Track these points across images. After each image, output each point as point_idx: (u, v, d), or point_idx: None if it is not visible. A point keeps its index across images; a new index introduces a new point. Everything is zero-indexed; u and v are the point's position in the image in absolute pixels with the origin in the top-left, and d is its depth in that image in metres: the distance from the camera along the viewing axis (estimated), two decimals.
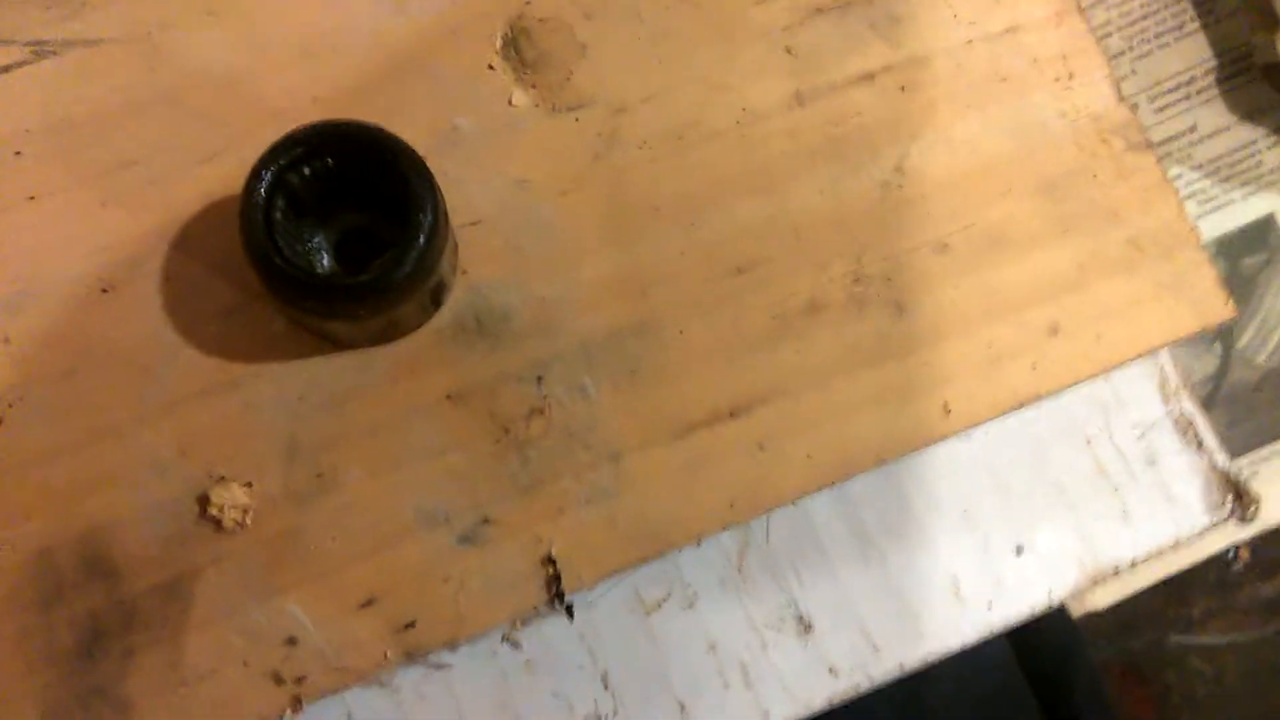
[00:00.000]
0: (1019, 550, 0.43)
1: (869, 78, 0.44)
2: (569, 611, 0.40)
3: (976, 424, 0.42)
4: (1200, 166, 0.63)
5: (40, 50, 0.40)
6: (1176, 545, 0.44)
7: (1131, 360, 0.43)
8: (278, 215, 0.35)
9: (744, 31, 0.43)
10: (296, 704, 0.37)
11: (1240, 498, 0.44)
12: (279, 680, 0.37)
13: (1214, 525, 0.44)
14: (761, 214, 0.42)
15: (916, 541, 0.42)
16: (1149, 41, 0.62)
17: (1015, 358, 0.42)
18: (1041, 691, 0.69)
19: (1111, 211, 0.43)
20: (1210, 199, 0.66)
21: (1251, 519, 0.45)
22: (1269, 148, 0.64)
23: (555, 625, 0.40)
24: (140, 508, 0.38)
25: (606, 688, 0.40)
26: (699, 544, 0.41)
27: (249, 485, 0.38)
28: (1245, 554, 0.91)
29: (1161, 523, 0.44)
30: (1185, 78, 0.63)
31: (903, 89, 0.43)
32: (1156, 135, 0.61)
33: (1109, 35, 0.60)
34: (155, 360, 0.39)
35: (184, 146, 0.40)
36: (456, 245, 0.40)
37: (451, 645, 0.39)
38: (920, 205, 0.43)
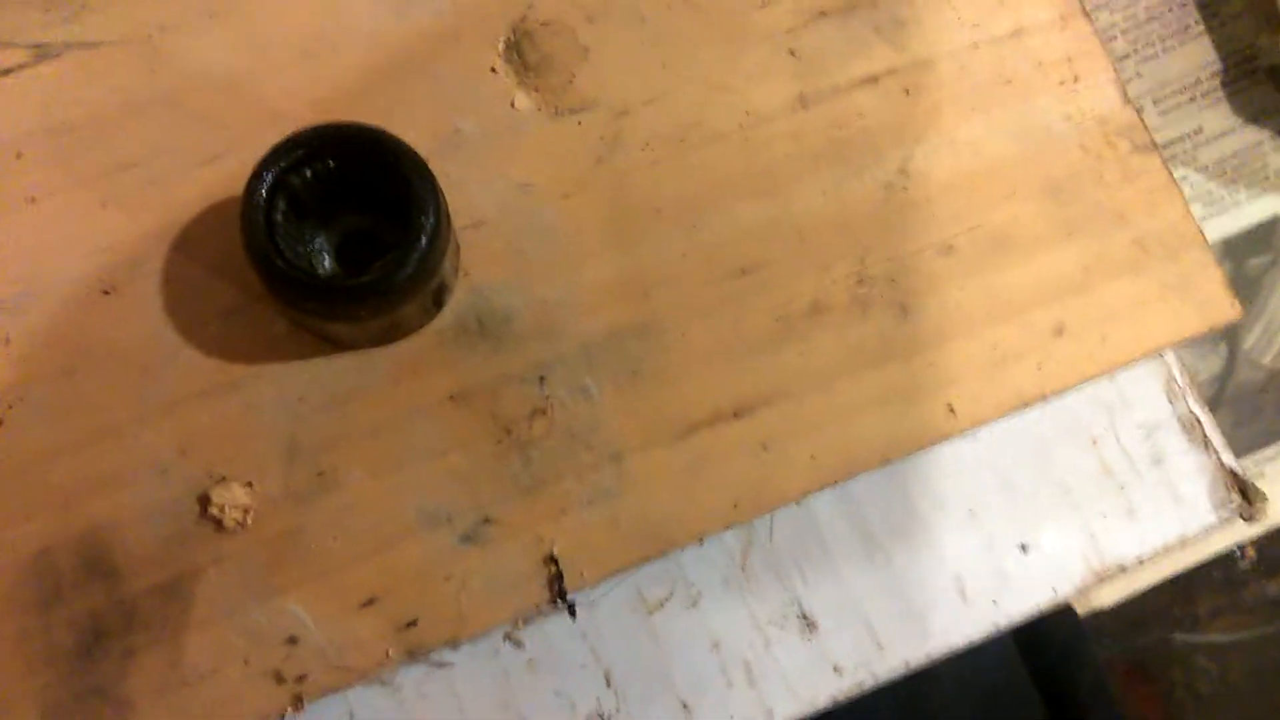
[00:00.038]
0: (1024, 548, 0.43)
1: (873, 80, 0.43)
2: (571, 610, 0.40)
3: (981, 424, 0.42)
4: (1206, 168, 0.63)
5: (41, 53, 0.40)
6: (1183, 544, 0.44)
7: (1137, 361, 0.43)
8: (279, 217, 0.35)
9: (747, 34, 0.43)
10: (298, 703, 0.37)
11: (1246, 497, 0.44)
12: (280, 679, 0.37)
13: (1220, 524, 0.44)
14: (764, 216, 0.42)
15: (921, 540, 0.42)
16: (1154, 44, 0.62)
17: (1020, 358, 0.42)
18: (1046, 689, 0.69)
19: (1117, 213, 0.43)
20: (1216, 201, 0.66)
21: (1258, 518, 0.44)
22: (1275, 150, 0.64)
23: (558, 624, 0.40)
24: (141, 508, 0.38)
25: (609, 686, 0.40)
26: (702, 543, 0.41)
27: (250, 485, 0.38)
28: (1252, 552, 0.91)
29: (1167, 521, 0.44)
30: (1190, 80, 0.63)
31: (907, 92, 0.43)
32: (1162, 137, 0.61)
33: (1114, 38, 0.60)
34: (156, 361, 0.39)
35: (184, 148, 0.40)
36: (458, 247, 0.40)
37: (453, 644, 0.39)
38: (924, 207, 0.43)
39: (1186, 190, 0.58)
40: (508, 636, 0.40)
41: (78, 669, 0.37)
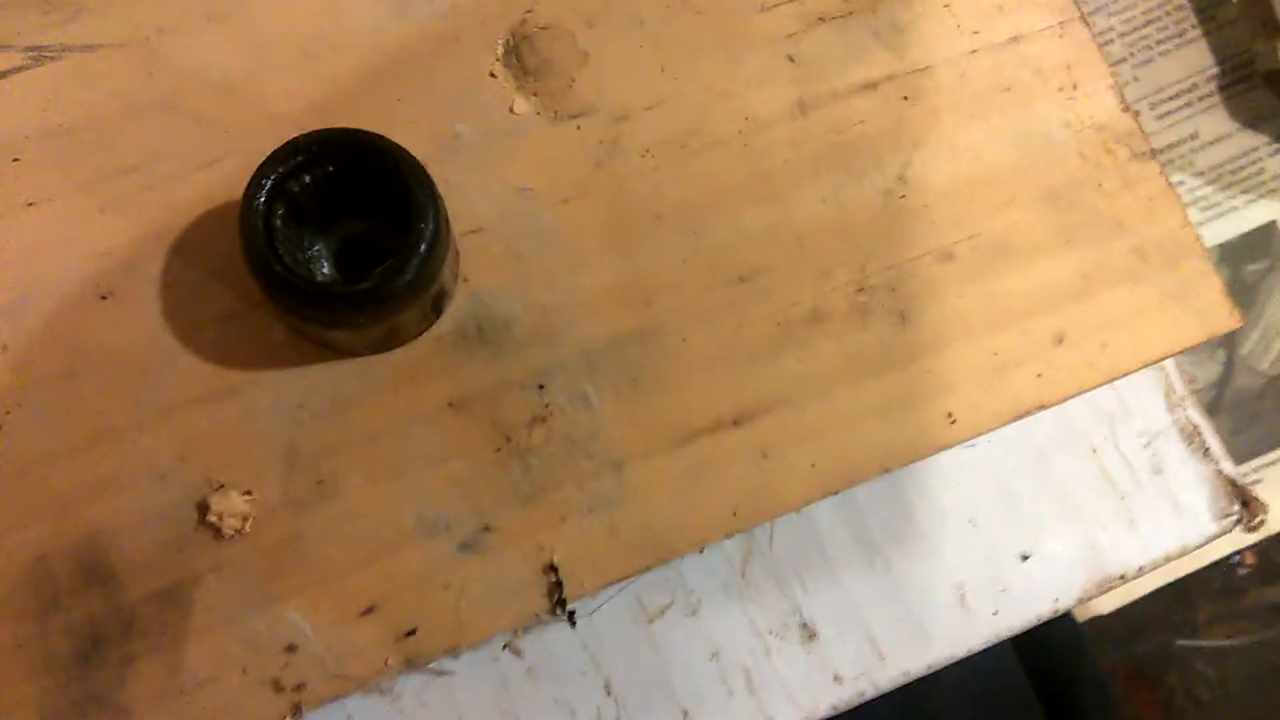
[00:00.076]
0: (1025, 558, 0.43)
1: (872, 86, 0.43)
2: (571, 619, 0.40)
3: (981, 433, 0.42)
4: (1202, 173, 0.63)
5: (38, 55, 0.40)
6: (1183, 553, 0.44)
7: (1137, 370, 0.43)
8: (278, 223, 0.35)
9: (747, 39, 0.43)
10: (296, 711, 0.37)
11: (1247, 506, 0.44)
12: (279, 688, 0.37)
13: (1221, 534, 0.44)
14: (764, 222, 0.42)
15: (922, 548, 0.42)
16: (1151, 48, 0.62)
17: (1020, 367, 0.42)
18: (1045, 694, 0.69)
19: (1116, 221, 0.43)
20: (1212, 206, 0.66)
21: (1258, 528, 0.44)
22: (1271, 155, 0.64)
23: (557, 632, 0.40)
24: (139, 514, 0.38)
25: (609, 695, 0.40)
26: (702, 551, 0.41)
27: (248, 493, 0.38)
28: (1251, 559, 0.91)
29: (1168, 531, 0.44)
30: (1187, 85, 0.63)
31: (906, 98, 0.43)
32: (1158, 142, 0.60)
33: (1110, 42, 0.60)
34: (154, 366, 0.39)
35: (183, 152, 0.40)
36: (458, 253, 0.39)
37: (452, 653, 0.38)
38: (924, 214, 0.43)
39: (1183, 195, 0.58)
40: (507, 645, 0.40)
41: (75, 676, 0.37)
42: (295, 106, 0.41)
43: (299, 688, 0.37)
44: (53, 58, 0.40)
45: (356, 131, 0.36)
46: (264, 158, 0.35)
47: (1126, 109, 0.44)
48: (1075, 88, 0.44)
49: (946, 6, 0.44)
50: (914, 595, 0.42)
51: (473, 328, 0.40)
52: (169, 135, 0.40)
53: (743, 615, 0.41)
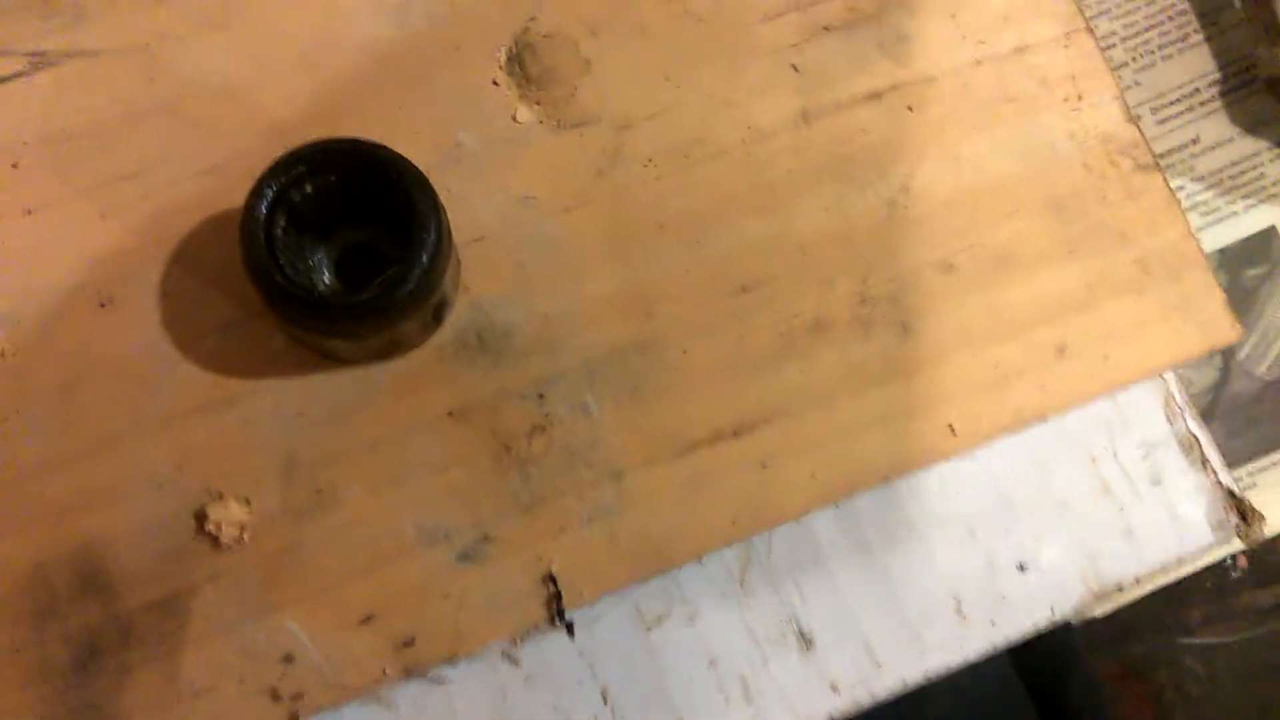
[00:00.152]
0: (1022, 567, 0.43)
1: (876, 96, 0.43)
2: (569, 630, 0.40)
3: (981, 444, 0.42)
4: (1202, 178, 0.63)
5: (39, 61, 0.40)
6: (1180, 564, 0.44)
7: (1138, 381, 0.43)
8: (279, 232, 0.35)
9: (750, 49, 0.43)
10: None
11: (1244, 517, 0.44)
12: (276, 697, 0.37)
13: (1218, 545, 0.44)
14: (767, 232, 0.42)
15: (919, 557, 0.42)
16: (1152, 53, 0.62)
17: (1022, 378, 0.42)
18: (1039, 696, 0.69)
19: (1120, 232, 0.43)
20: (1212, 211, 0.66)
21: (1255, 539, 0.44)
22: (1272, 160, 0.64)
23: (555, 640, 0.40)
24: (137, 523, 0.38)
25: (606, 703, 0.40)
26: (701, 560, 0.41)
27: (247, 501, 0.38)
28: (1244, 561, 0.91)
29: (1165, 541, 0.44)
30: (1188, 89, 0.62)
31: (910, 108, 0.43)
32: (1159, 147, 0.60)
33: (1112, 47, 0.60)
34: (153, 374, 0.39)
35: (183, 158, 0.40)
36: (459, 262, 0.39)
37: (450, 662, 0.38)
38: (926, 225, 0.42)
39: (1183, 200, 0.58)
40: (505, 654, 0.40)
41: (72, 685, 0.36)
42: (296, 114, 0.40)
43: (296, 697, 0.37)
44: (53, 63, 0.40)
45: (359, 141, 0.35)
46: (265, 165, 0.35)
47: (1131, 120, 0.44)
48: (1080, 98, 0.44)
49: (952, 16, 0.44)
50: (911, 604, 0.42)
51: (473, 337, 0.40)
52: (169, 142, 0.40)
53: (740, 623, 0.41)
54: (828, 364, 0.41)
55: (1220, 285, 0.44)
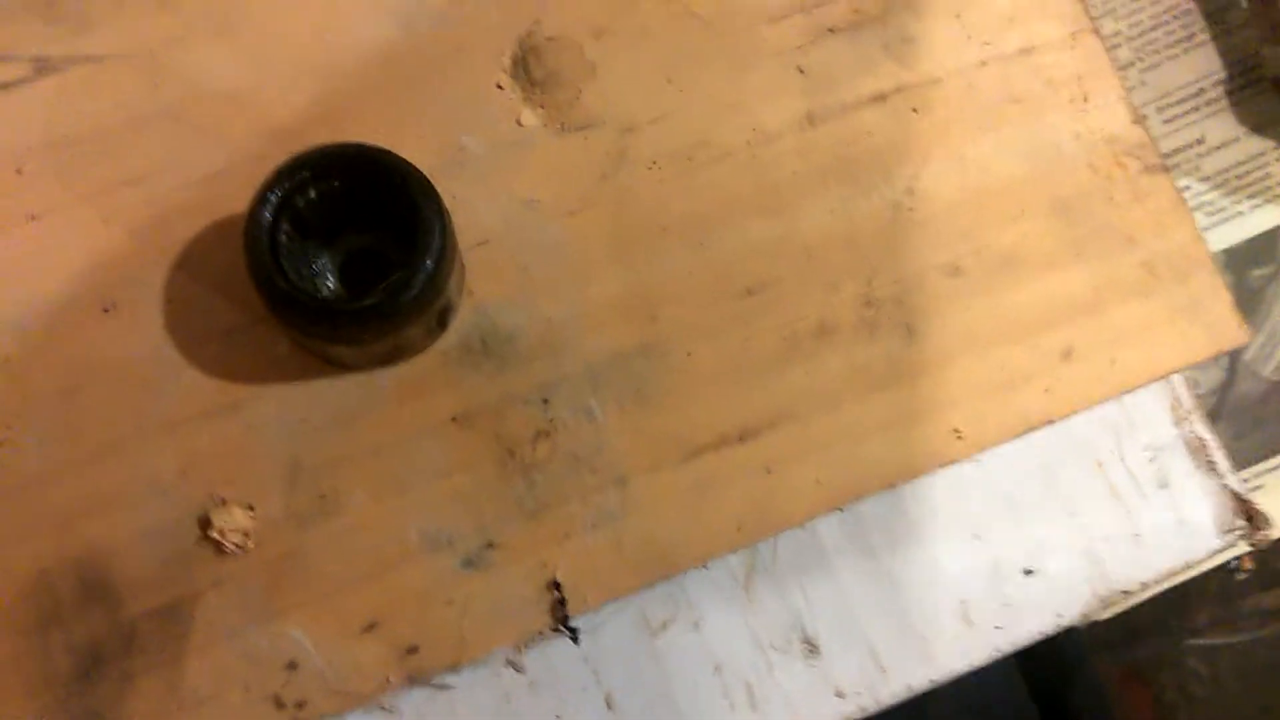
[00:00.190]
0: (1028, 572, 0.42)
1: (881, 98, 0.43)
2: (574, 636, 0.40)
3: (987, 448, 0.41)
4: (1208, 178, 0.63)
5: (43, 67, 0.40)
6: (1187, 568, 0.44)
7: (1145, 384, 0.43)
8: (283, 238, 0.35)
9: (755, 51, 0.43)
10: None
11: (1252, 520, 0.44)
12: (280, 704, 0.37)
13: (1225, 548, 0.44)
14: (771, 235, 0.42)
15: (925, 562, 0.42)
16: (1158, 52, 0.61)
17: (1028, 381, 0.42)
18: (1041, 697, 0.69)
19: (1126, 235, 0.43)
20: (1218, 210, 0.65)
21: (1262, 542, 0.44)
22: (1278, 160, 0.64)
23: (559, 646, 0.40)
24: (140, 530, 0.38)
25: (611, 709, 0.40)
26: (705, 566, 0.41)
27: (250, 508, 0.38)
28: (1249, 564, 0.91)
29: (1172, 546, 0.43)
30: (1194, 89, 0.62)
31: (915, 110, 0.43)
32: (1165, 146, 0.60)
33: (1118, 46, 0.60)
34: (156, 380, 0.39)
35: (187, 164, 0.40)
36: (464, 267, 0.39)
37: (454, 669, 0.38)
38: (932, 227, 0.42)
39: (1189, 199, 0.57)
40: (509, 661, 0.39)
41: (75, 692, 0.36)
42: (300, 119, 0.40)
43: (300, 705, 0.37)
44: (57, 69, 0.40)
45: (363, 147, 0.35)
46: (269, 170, 0.35)
47: (1137, 121, 0.44)
48: (1086, 99, 0.44)
49: (957, 17, 0.44)
50: (917, 609, 0.42)
51: (477, 341, 0.40)
52: (173, 147, 0.40)
53: (745, 629, 0.41)
54: (833, 367, 0.41)
55: (1226, 286, 0.44)
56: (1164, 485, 0.44)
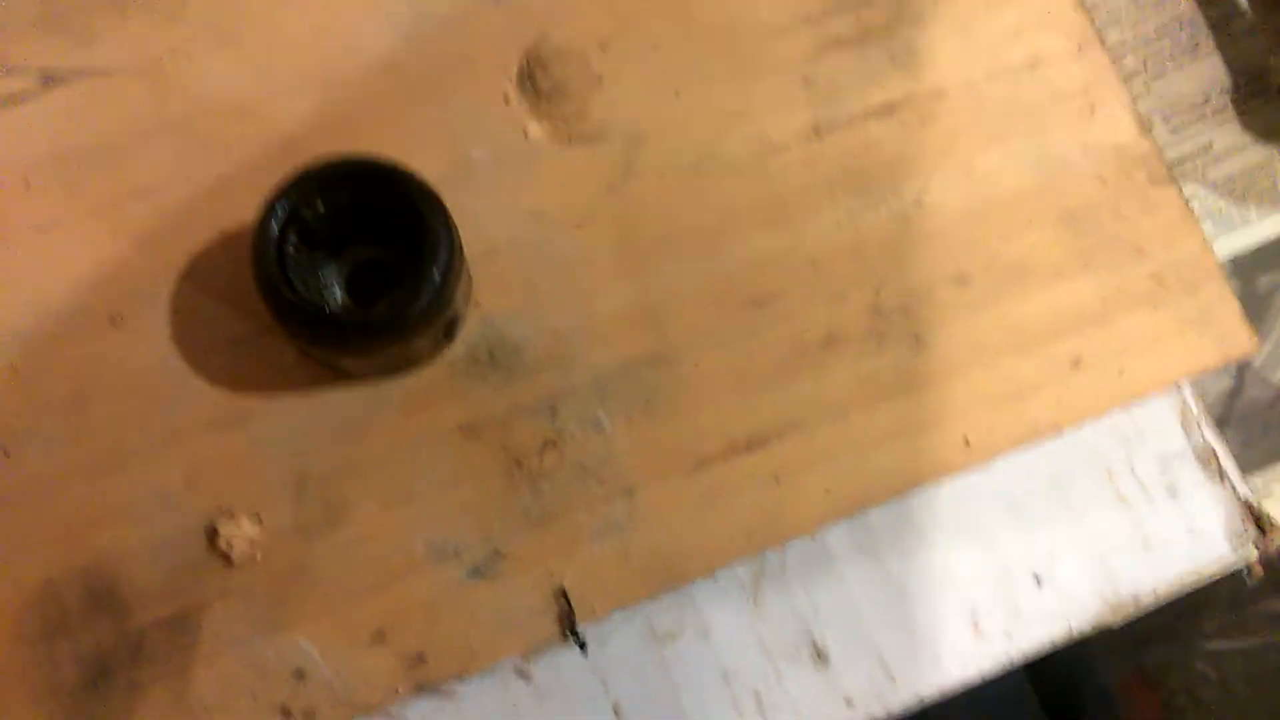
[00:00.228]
0: (1038, 581, 0.42)
1: (888, 110, 0.43)
2: (582, 646, 0.40)
3: (996, 457, 0.41)
4: (1216, 186, 0.63)
5: (50, 80, 0.40)
6: (1197, 577, 0.44)
7: (1154, 394, 0.43)
8: (290, 249, 0.35)
9: (762, 62, 0.43)
10: None
11: (1262, 529, 0.44)
12: (287, 714, 0.37)
13: (1236, 558, 0.44)
14: (779, 246, 0.42)
15: (934, 571, 0.42)
16: (1165, 61, 0.61)
17: (1037, 391, 0.42)
18: (1051, 703, 0.69)
19: (1135, 245, 0.43)
20: (1225, 218, 0.65)
21: (1273, 551, 0.44)
22: None
23: (567, 655, 0.40)
24: (147, 540, 0.38)
25: (618, 718, 0.40)
26: (713, 575, 0.40)
27: (258, 518, 0.38)
28: (1259, 570, 0.91)
29: (1182, 554, 0.43)
30: (1201, 97, 0.62)
31: (922, 121, 0.43)
32: (1172, 154, 0.60)
33: (1124, 55, 0.60)
34: (164, 391, 0.39)
35: (194, 176, 0.40)
36: (470, 278, 0.39)
37: (462, 678, 0.38)
38: (939, 238, 0.42)
39: (1196, 207, 0.57)
40: (517, 670, 0.39)
41: (82, 702, 0.36)
42: (306, 130, 0.40)
43: (308, 714, 0.37)
44: (64, 82, 0.40)
45: (370, 159, 0.35)
46: (275, 182, 0.35)
47: (1145, 133, 0.44)
48: (1093, 111, 0.44)
49: (963, 29, 0.44)
50: (926, 618, 0.42)
51: (484, 352, 0.40)
52: (180, 159, 0.40)
53: (753, 637, 0.41)
54: (841, 377, 0.41)
55: (1234, 293, 0.44)
56: (1174, 494, 0.44)
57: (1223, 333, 0.43)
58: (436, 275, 0.34)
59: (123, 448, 0.38)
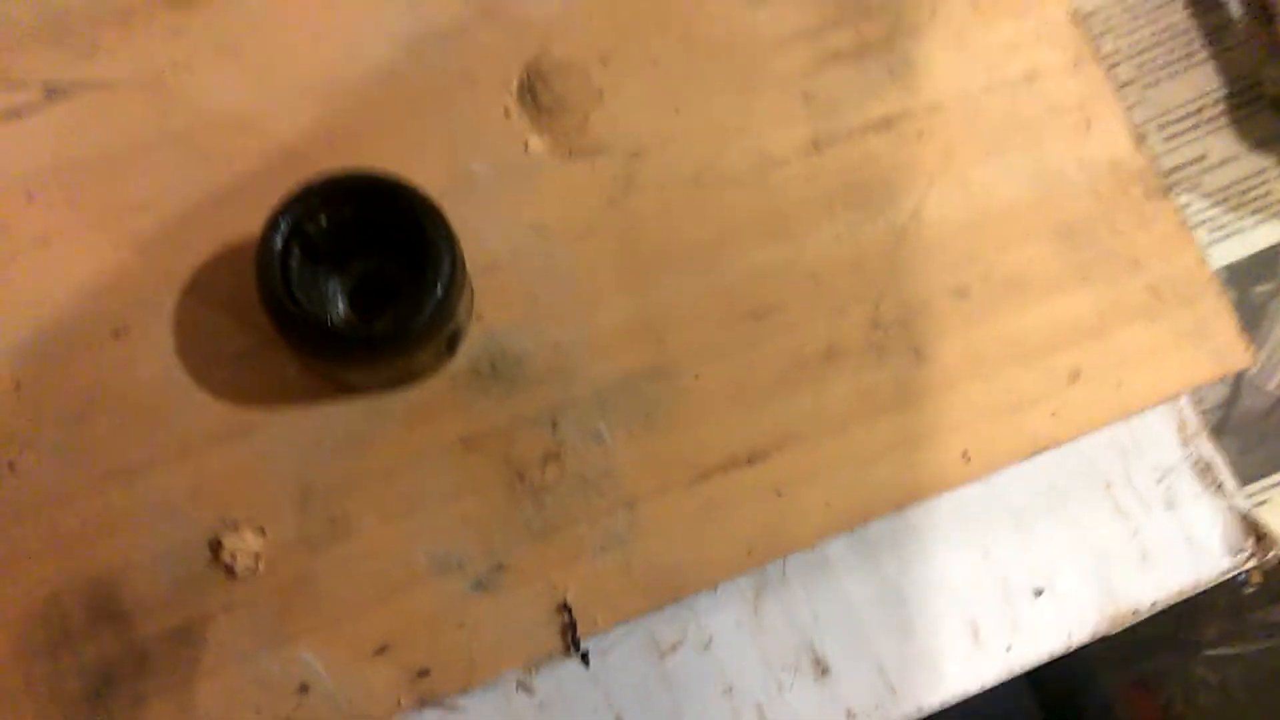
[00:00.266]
0: (1038, 593, 0.42)
1: (887, 124, 0.43)
2: (584, 658, 0.40)
3: (995, 471, 0.42)
4: (1210, 195, 0.63)
5: (53, 93, 0.40)
6: (1196, 589, 0.44)
7: (1151, 407, 0.43)
8: (293, 263, 0.35)
9: (762, 77, 0.43)
10: None
11: (1260, 540, 0.44)
12: None
13: (1234, 569, 0.44)
14: (779, 259, 0.42)
15: (935, 583, 0.42)
16: (1158, 70, 0.62)
17: (1035, 404, 0.42)
18: (1050, 709, 0.69)
19: (1131, 259, 0.43)
20: (1220, 227, 0.65)
21: (1271, 562, 0.44)
22: (1279, 176, 0.64)
23: (569, 668, 0.40)
24: (151, 552, 0.38)
25: None
26: (715, 590, 0.41)
27: (262, 531, 0.38)
28: (1257, 577, 0.91)
29: (1181, 566, 0.44)
30: (1194, 107, 0.62)
31: (920, 135, 0.43)
32: (1166, 163, 0.60)
33: (1117, 65, 0.60)
34: (167, 404, 0.39)
35: (197, 188, 0.40)
36: (473, 292, 0.39)
37: (465, 691, 0.38)
38: (938, 251, 0.42)
39: (1190, 217, 0.57)
40: (519, 683, 0.40)
41: (86, 714, 0.36)
42: (308, 143, 0.41)
43: None
44: (66, 94, 0.40)
45: (373, 174, 0.36)
46: (278, 195, 0.35)
47: (1140, 148, 0.44)
48: (1089, 125, 0.44)
49: (960, 43, 0.44)
50: (927, 630, 0.42)
51: (486, 365, 0.40)
52: (183, 172, 0.40)
53: (755, 650, 0.41)
54: (841, 391, 0.41)
55: (1229, 303, 0.44)
56: (1171, 505, 0.44)
57: (1219, 346, 0.43)
58: (439, 289, 0.35)
59: (126, 461, 0.38)
